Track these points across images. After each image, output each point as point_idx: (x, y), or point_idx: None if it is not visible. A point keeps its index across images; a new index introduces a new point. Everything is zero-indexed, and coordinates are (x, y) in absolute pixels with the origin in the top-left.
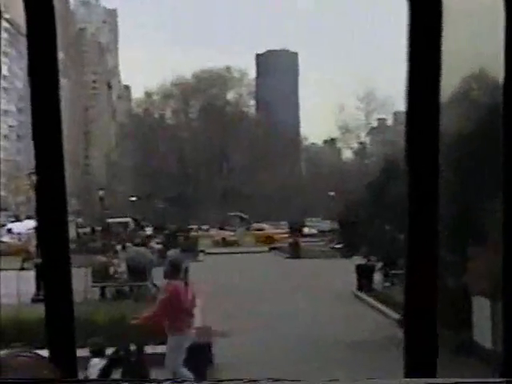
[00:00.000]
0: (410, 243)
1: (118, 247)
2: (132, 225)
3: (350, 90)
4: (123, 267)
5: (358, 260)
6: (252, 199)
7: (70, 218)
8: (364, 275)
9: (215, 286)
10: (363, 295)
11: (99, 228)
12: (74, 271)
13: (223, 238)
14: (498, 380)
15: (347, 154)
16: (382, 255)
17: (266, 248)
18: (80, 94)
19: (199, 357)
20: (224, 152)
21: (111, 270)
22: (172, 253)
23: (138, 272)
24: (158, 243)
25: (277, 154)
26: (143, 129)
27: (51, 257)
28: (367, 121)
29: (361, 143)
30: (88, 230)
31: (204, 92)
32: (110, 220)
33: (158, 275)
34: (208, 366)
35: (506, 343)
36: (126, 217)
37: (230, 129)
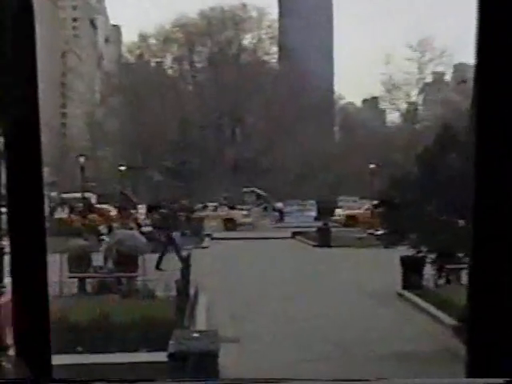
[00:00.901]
0: (476, 231)
1: (103, 229)
2: (93, 200)
3: (398, 36)
4: (110, 254)
5: (404, 251)
6: (272, 172)
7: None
8: (411, 270)
9: (222, 279)
10: (410, 295)
11: (79, 205)
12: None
13: (234, 220)
14: (497, 380)
15: (393, 117)
16: (436, 245)
17: (288, 233)
18: (56, 36)
19: (201, 368)
20: (237, 113)
21: (93, 257)
22: (119, 234)
23: (128, 260)
24: (152, 225)
25: (303, 116)
26: (136, 81)
27: (23, 240)
28: (420, 75)
29: (410, 103)
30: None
31: (213, 36)
32: (65, 195)
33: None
34: (212, 380)
35: (506, 345)
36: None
37: (245, 83)
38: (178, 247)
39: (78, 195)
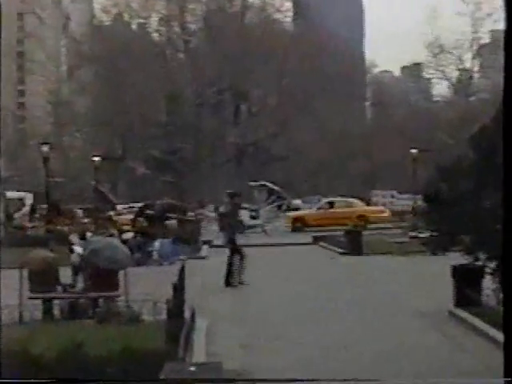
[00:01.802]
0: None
1: (73, 236)
2: (29, 201)
3: None
4: (83, 268)
5: (457, 258)
6: (286, 161)
7: None
8: (466, 282)
9: (225, 298)
10: (465, 314)
11: (42, 206)
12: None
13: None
14: (498, 380)
15: (440, 89)
16: (497, 250)
17: (309, 238)
18: None
19: None
20: (241, 86)
21: (61, 272)
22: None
23: (105, 275)
24: (136, 231)
25: (325, 89)
26: (112, 48)
27: None
28: (474, 34)
29: (463, 70)
30: (25, 208)
31: None
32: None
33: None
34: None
35: (506, 344)
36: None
37: (250, 48)
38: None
39: (17, 195)
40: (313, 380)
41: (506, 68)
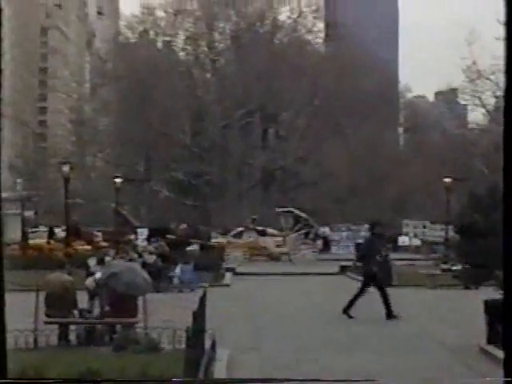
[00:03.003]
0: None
1: (91, 260)
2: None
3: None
4: (101, 293)
5: (491, 293)
6: (314, 186)
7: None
8: (499, 318)
9: (247, 327)
10: (497, 351)
11: (61, 227)
12: (16, 297)
13: (265, 249)
14: (498, 380)
15: (475, 115)
16: None
17: (336, 267)
18: (32, 6)
19: None
20: (270, 107)
21: (79, 297)
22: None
23: (123, 301)
24: (157, 255)
25: (357, 113)
26: (137, 66)
27: None
28: None
29: (500, 97)
30: (42, 229)
31: (239, 8)
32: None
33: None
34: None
35: (507, 344)
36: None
37: (280, 69)
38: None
39: None
40: (313, 380)
41: (507, 69)
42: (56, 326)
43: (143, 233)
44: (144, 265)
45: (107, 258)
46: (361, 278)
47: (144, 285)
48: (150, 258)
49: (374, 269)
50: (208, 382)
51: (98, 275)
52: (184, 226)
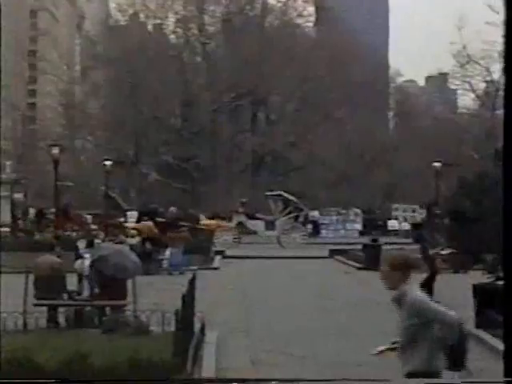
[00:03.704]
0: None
1: (80, 242)
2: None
3: None
4: (90, 275)
5: (479, 277)
6: (305, 170)
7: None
8: (488, 303)
9: (235, 311)
10: (486, 335)
11: (50, 210)
12: (6, 279)
13: (254, 232)
14: (498, 380)
15: (466, 100)
16: None
17: (325, 251)
18: None
19: None
20: (260, 91)
21: (68, 279)
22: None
23: (112, 283)
24: (144, 238)
25: (348, 97)
26: (127, 49)
27: None
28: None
29: (490, 82)
30: (32, 211)
31: None
32: None
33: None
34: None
35: (506, 344)
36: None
37: (270, 53)
38: None
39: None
40: (313, 380)
41: (506, 68)
42: (45, 309)
43: (133, 215)
44: (133, 247)
45: (96, 241)
46: (349, 261)
47: (133, 267)
48: (134, 240)
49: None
50: (205, 381)
51: (87, 258)
52: (173, 208)
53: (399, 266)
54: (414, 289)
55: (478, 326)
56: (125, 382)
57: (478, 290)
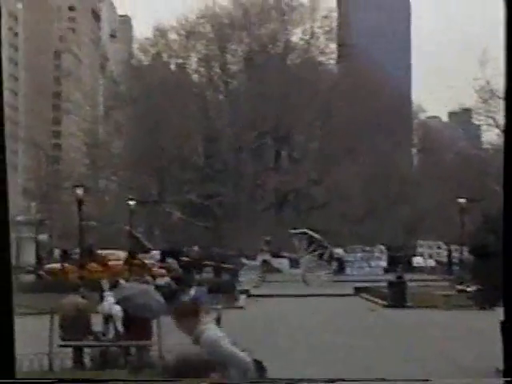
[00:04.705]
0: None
1: (105, 283)
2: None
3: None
4: (116, 315)
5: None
6: (328, 208)
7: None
8: None
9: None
10: None
11: (75, 250)
12: (31, 321)
13: (279, 271)
14: (498, 380)
15: (489, 136)
16: None
17: (349, 289)
18: (45, 30)
19: None
20: (283, 129)
21: (93, 319)
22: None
23: (137, 323)
24: (170, 277)
25: (371, 133)
26: (150, 88)
27: None
28: None
29: None
30: (56, 252)
31: (252, 30)
32: None
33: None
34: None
35: (506, 344)
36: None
37: (293, 90)
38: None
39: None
40: (313, 380)
41: (508, 71)
42: (70, 349)
43: (156, 255)
44: (157, 287)
45: (121, 281)
46: (374, 299)
47: (158, 307)
48: (164, 281)
49: None
50: (208, 382)
51: (111, 298)
52: (195, 248)
53: (185, 312)
54: (209, 329)
55: (506, 364)
56: (125, 381)
57: (506, 327)
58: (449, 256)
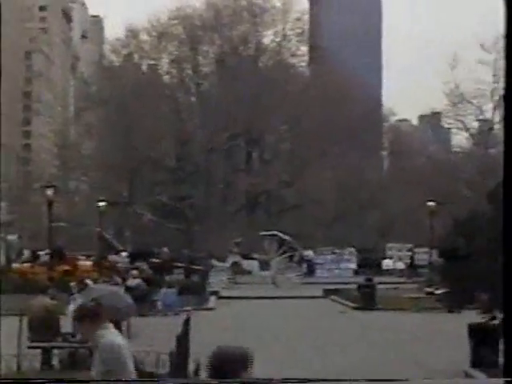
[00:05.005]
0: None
1: (74, 284)
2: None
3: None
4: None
5: (473, 316)
6: (299, 210)
7: None
8: (483, 342)
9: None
10: (480, 374)
11: (45, 251)
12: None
13: (249, 273)
14: (498, 380)
15: (459, 138)
16: None
17: (319, 291)
18: (16, 29)
19: None
20: (254, 131)
21: (62, 321)
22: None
23: None
24: (139, 278)
25: (341, 136)
26: (122, 90)
27: None
28: (496, 84)
29: (483, 121)
30: (26, 253)
31: (224, 31)
32: None
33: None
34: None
35: (506, 345)
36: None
37: (264, 93)
38: None
39: None
40: (313, 380)
41: (507, 72)
42: (39, 351)
43: (126, 257)
44: (128, 289)
45: (89, 282)
46: (344, 301)
47: (127, 309)
48: (134, 282)
49: None
50: (199, 382)
51: (80, 300)
52: (165, 249)
53: (84, 316)
54: (110, 333)
55: (473, 365)
56: (124, 381)
57: (473, 330)
58: (411, 258)
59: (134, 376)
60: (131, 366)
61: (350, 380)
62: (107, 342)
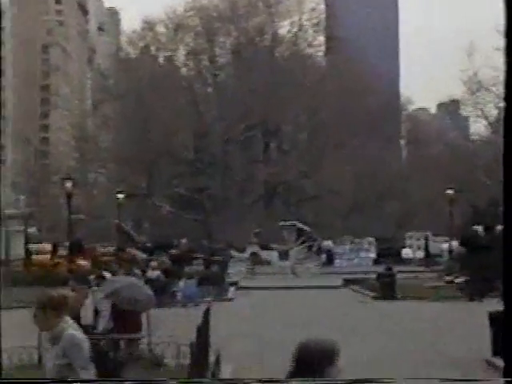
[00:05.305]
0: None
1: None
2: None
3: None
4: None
5: (494, 304)
6: (318, 200)
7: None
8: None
9: (251, 342)
10: (502, 363)
11: (64, 243)
12: (18, 314)
13: (268, 263)
14: (498, 380)
15: (478, 127)
16: None
17: (338, 281)
18: (33, 23)
19: None
20: (272, 122)
21: (82, 312)
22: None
23: (126, 317)
24: (158, 269)
25: (359, 126)
26: (139, 82)
27: None
28: None
29: (501, 108)
30: (46, 245)
31: (240, 22)
32: None
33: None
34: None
35: (506, 345)
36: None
37: (281, 83)
38: None
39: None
40: (313, 380)
41: (507, 70)
42: None
43: (146, 249)
44: (147, 281)
45: (109, 275)
46: (363, 291)
47: (146, 300)
48: (153, 274)
49: None
50: (206, 382)
51: (99, 293)
52: (184, 240)
53: (47, 305)
54: (71, 328)
55: (495, 354)
56: (124, 381)
57: (493, 318)
58: (426, 246)
59: (93, 371)
60: (90, 362)
61: (351, 380)
62: (70, 334)
